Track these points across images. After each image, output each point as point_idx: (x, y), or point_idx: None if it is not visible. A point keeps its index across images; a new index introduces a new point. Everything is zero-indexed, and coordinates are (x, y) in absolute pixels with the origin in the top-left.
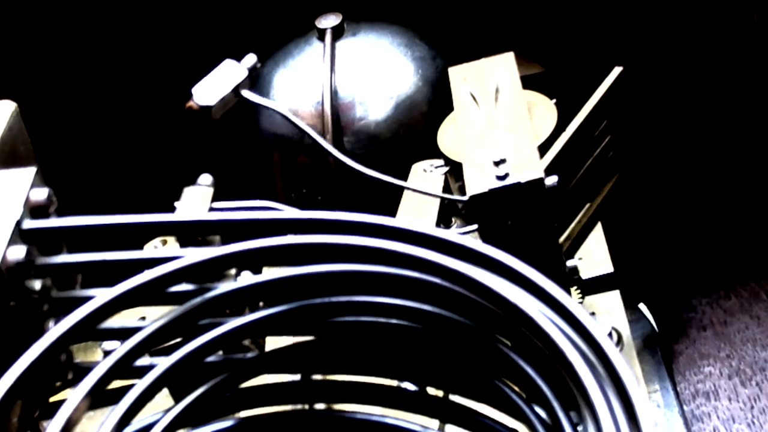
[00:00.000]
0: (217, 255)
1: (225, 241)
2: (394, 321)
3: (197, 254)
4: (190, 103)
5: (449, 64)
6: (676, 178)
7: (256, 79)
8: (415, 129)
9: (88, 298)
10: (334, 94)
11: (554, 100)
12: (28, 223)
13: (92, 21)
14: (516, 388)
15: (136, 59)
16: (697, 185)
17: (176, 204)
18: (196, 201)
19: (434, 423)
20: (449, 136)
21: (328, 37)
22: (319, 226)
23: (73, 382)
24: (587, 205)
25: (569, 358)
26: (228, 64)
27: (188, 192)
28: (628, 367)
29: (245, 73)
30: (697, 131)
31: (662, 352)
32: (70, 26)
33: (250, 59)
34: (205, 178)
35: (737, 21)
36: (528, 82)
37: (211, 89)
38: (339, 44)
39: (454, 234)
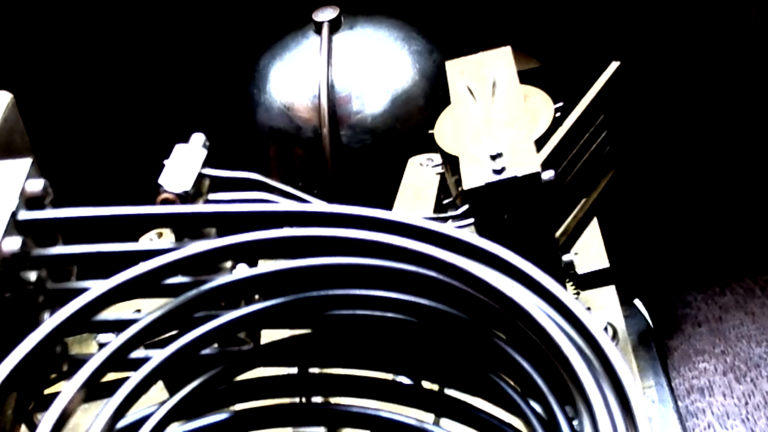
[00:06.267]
0: (213, 247)
1: (221, 234)
2: (389, 314)
3: (193, 246)
4: (165, 195)
5: (446, 57)
6: (672, 174)
7: (253, 73)
8: (412, 123)
9: (84, 290)
10: (330, 88)
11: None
12: (24, 214)
13: (88, 11)
14: (511, 383)
15: (133, 50)
16: (693, 181)
17: (165, 162)
18: (186, 160)
19: (429, 417)
20: (446, 130)
21: (325, 30)
22: (315, 219)
23: (68, 375)
24: (583, 200)
25: (565, 352)
26: (181, 148)
27: (179, 149)
28: (624, 362)
29: (204, 151)
30: (693, 127)
31: (657, 347)
32: (65, 16)
33: (199, 138)
34: (198, 138)
35: (734, 18)
36: (525, 77)
37: (180, 176)
38: (336, 37)
39: (450, 227)
